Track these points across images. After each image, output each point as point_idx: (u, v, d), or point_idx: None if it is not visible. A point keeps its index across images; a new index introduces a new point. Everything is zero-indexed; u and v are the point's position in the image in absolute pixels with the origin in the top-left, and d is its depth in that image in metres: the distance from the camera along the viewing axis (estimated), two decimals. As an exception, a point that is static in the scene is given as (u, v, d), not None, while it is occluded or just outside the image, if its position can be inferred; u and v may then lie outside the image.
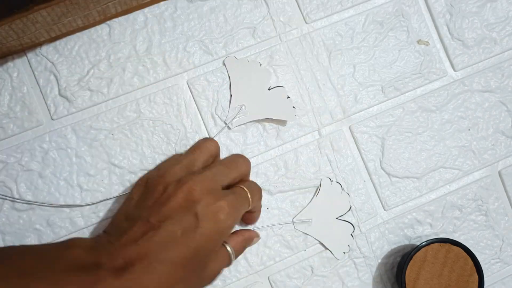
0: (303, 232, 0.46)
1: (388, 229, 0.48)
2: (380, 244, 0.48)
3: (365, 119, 0.49)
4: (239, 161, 0.41)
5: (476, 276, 0.44)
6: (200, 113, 0.46)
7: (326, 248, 0.46)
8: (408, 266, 0.43)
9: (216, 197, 0.35)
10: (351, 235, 0.46)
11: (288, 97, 0.46)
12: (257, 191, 0.41)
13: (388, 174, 0.48)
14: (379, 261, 0.47)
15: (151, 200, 0.35)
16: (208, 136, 0.46)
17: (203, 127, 0.46)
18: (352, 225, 0.46)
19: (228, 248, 0.38)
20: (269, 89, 0.46)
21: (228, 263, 0.39)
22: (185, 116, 0.46)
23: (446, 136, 0.49)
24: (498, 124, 0.50)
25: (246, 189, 0.39)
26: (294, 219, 0.46)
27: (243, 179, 0.41)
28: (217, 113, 0.46)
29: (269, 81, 0.47)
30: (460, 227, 0.49)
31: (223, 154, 0.46)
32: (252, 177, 0.46)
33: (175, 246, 0.32)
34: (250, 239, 0.43)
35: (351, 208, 0.47)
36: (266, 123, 0.47)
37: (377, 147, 0.48)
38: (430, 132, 0.49)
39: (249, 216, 0.43)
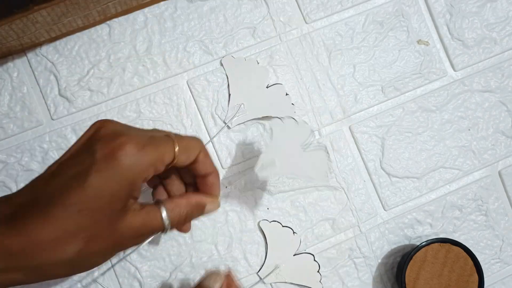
0: (275, 283, 0.45)
1: (388, 229, 0.48)
2: (380, 244, 0.48)
3: (365, 119, 0.49)
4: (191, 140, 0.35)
5: (476, 276, 0.44)
6: (200, 113, 0.46)
7: (304, 286, 0.46)
8: (408, 266, 0.43)
9: (119, 135, 0.30)
10: (315, 261, 0.46)
11: (287, 94, 0.46)
12: (194, 142, 0.34)
13: (388, 174, 0.48)
14: (379, 261, 0.47)
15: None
16: (210, 136, 0.46)
17: (203, 127, 0.46)
18: (311, 254, 0.46)
19: (162, 209, 0.33)
20: (267, 87, 0.46)
21: (159, 226, 0.33)
22: (185, 116, 0.46)
23: (446, 136, 0.49)
24: (498, 124, 0.50)
25: (170, 135, 0.33)
26: (262, 276, 0.45)
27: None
28: (217, 113, 0.46)
29: (267, 79, 0.47)
30: (460, 227, 0.49)
31: (223, 154, 0.46)
32: (252, 177, 0.46)
33: (70, 188, 0.29)
34: (199, 206, 0.35)
35: (351, 209, 0.47)
36: (266, 123, 0.47)
37: (377, 147, 0.48)
38: (430, 132, 0.49)
39: (204, 182, 0.37)
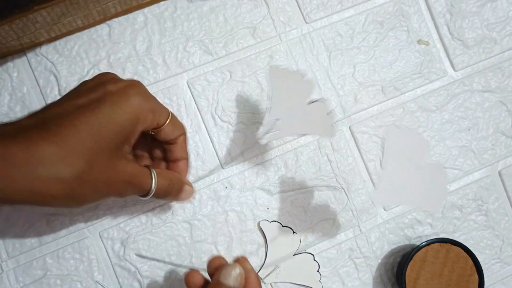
0: (275, 283, 0.45)
1: (388, 229, 0.48)
2: (380, 244, 0.47)
3: (365, 119, 0.49)
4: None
5: (476, 276, 0.44)
6: (200, 113, 0.46)
7: (304, 286, 0.46)
8: (409, 266, 0.43)
9: (126, 80, 0.35)
10: (315, 260, 0.46)
11: (330, 113, 0.40)
12: (181, 124, 0.40)
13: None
14: (379, 261, 0.47)
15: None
16: (209, 136, 0.46)
17: (203, 127, 0.46)
18: (311, 253, 0.46)
19: (152, 171, 0.36)
20: (309, 103, 0.39)
21: (147, 183, 0.35)
22: (185, 116, 0.46)
23: (446, 136, 0.49)
24: (498, 124, 0.50)
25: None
26: (262, 276, 0.45)
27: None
28: (217, 113, 0.46)
29: (311, 94, 0.40)
30: (460, 227, 0.49)
31: (223, 155, 0.46)
32: (252, 177, 0.46)
33: (81, 112, 0.31)
34: (179, 183, 0.40)
35: (351, 209, 0.47)
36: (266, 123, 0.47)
37: (377, 147, 0.48)
38: (430, 132, 0.49)
39: (175, 166, 0.41)
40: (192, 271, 0.36)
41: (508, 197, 0.50)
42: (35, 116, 0.32)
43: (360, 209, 0.48)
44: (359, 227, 0.47)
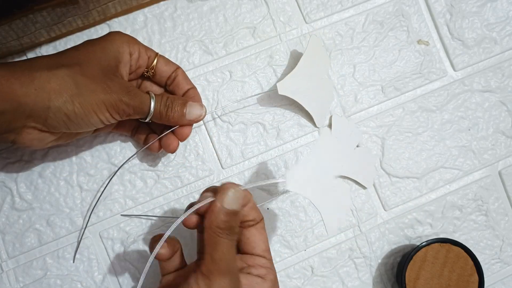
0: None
1: (388, 229, 0.48)
2: (380, 244, 0.47)
3: (365, 119, 0.49)
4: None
5: (476, 276, 0.44)
6: (200, 113, 0.46)
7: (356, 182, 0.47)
8: (408, 266, 0.43)
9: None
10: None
11: (371, 157, 0.47)
12: (173, 62, 0.43)
13: (388, 174, 0.48)
14: (379, 261, 0.47)
15: None
16: (209, 136, 0.46)
17: (203, 127, 0.46)
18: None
19: (151, 93, 0.39)
20: (356, 148, 0.47)
21: (146, 100, 0.39)
22: (185, 116, 0.46)
23: (446, 136, 0.49)
24: (498, 124, 0.50)
25: None
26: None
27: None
28: (217, 113, 0.46)
29: (360, 140, 0.47)
30: (460, 227, 0.49)
31: (223, 155, 0.46)
32: (252, 177, 0.46)
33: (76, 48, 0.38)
34: (182, 101, 0.40)
35: (351, 209, 0.47)
36: (266, 123, 0.47)
37: (377, 147, 0.48)
38: (430, 132, 0.49)
39: (186, 96, 0.42)
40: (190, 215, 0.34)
41: (508, 197, 0.50)
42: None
43: (360, 209, 0.48)
44: (359, 227, 0.47)
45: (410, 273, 0.44)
